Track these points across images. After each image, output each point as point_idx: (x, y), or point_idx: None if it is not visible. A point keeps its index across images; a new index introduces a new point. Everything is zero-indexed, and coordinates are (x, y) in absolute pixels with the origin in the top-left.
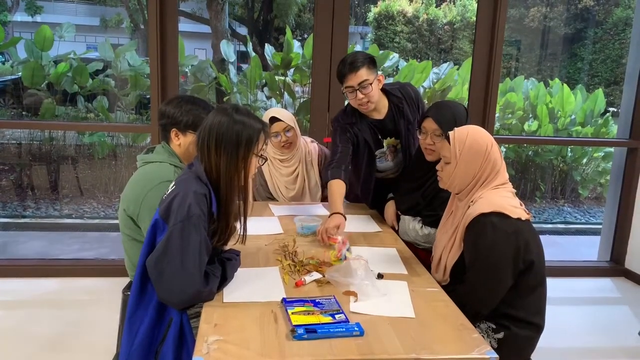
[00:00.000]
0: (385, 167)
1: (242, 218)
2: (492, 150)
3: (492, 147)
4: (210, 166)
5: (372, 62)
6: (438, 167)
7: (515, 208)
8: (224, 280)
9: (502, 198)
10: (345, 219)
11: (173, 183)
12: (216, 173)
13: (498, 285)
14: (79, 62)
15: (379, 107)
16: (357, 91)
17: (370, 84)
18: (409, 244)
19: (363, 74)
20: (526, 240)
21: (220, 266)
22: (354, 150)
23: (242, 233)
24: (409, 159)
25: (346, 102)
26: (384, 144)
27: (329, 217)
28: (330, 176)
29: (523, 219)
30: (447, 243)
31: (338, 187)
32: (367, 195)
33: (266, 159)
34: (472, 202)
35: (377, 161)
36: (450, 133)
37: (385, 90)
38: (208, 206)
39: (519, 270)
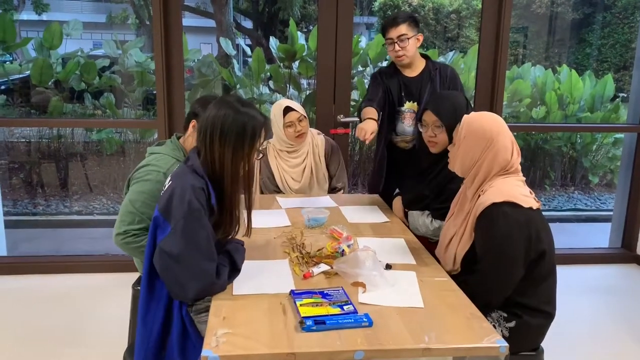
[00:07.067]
0: (402, 130)
1: (247, 210)
2: (498, 140)
3: (499, 136)
4: (214, 158)
5: (413, 21)
6: (449, 147)
7: (526, 197)
8: (236, 271)
9: (513, 187)
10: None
11: (169, 178)
12: (220, 165)
13: (510, 275)
14: (86, 59)
15: (414, 65)
16: (395, 43)
17: (408, 38)
18: (420, 237)
19: (402, 28)
20: (537, 229)
21: (227, 257)
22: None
23: (247, 225)
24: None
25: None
26: (405, 106)
27: (363, 121)
28: (363, 106)
29: (534, 208)
30: (457, 232)
31: (370, 109)
32: (382, 169)
33: (264, 154)
34: (482, 191)
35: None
36: (464, 116)
37: (425, 56)
38: (207, 199)
39: (530, 259)
